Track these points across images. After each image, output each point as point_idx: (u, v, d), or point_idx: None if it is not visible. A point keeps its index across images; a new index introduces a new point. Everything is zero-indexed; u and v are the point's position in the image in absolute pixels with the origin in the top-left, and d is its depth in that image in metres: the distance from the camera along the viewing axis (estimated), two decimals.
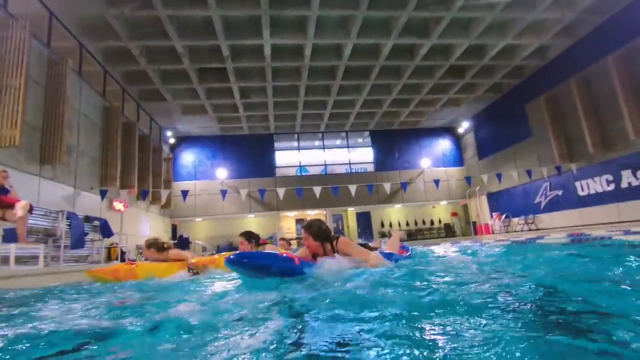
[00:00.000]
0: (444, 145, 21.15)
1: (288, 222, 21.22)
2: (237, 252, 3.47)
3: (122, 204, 12.32)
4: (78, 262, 9.15)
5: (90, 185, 10.70)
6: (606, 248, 4.39)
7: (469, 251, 5.30)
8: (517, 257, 3.79)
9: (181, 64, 12.32)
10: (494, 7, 10.52)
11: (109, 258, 11.14)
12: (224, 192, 13.45)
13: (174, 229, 17.84)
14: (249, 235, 4.96)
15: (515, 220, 16.08)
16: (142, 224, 14.49)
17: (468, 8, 10.55)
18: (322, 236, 3.48)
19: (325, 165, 20.57)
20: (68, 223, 8.36)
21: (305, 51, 12.23)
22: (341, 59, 12.93)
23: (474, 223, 19.14)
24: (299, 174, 20.17)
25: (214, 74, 13.77)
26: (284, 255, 3.17)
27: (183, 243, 15.98)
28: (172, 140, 18.88)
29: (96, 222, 9.70)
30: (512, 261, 3.54)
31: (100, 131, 11.59)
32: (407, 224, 20.90)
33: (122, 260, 10.86)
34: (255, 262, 2.99)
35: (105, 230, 9.63)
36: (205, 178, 18.94)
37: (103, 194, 10.58)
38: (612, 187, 11.71)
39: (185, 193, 12.80)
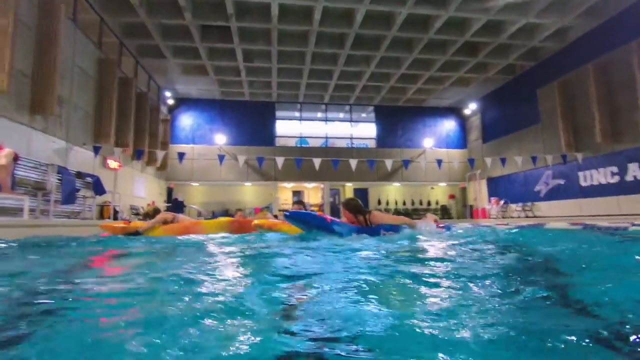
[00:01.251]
0: (448, 125, 20.72)
1: (285, 193, 21.08)
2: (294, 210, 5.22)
3: (117, 162, 12.01)
4: (69, 218, 8.98)
5: (83, 141, 10.35)
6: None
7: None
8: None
9: (183, 19, 11.65)
10: None
11: (101, 216, 10.98)
12: (221, 157, 13.13)
13: (170, 192, 17.65)
14: (300, 202, 6.60)
15: (513, 206, 16.00)
16: (136, 185, 14.26)
17: None
18: (354, 210, 4.55)
19: (327, 138, 20.17)
20: (59, 177, 8.12)
21: (314, 14, 11.57)
22: (352, 27, 12.28)
23: (471, 207, 19.09)
24: (299, 145, 19.80)
25: (217, 33, 13.10)
26: (320, 215, 4.47)
27: (177, 206, 15.86)
28: (170, 102, 18.32)
29: (88, 179, 9.48)
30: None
31: (94, 85, 11.08)
32: (404, 203, 20.83)
33: (115, 219, 10.71)
34: (300, 217, 4.37)
35: (97, 187, 9.41)
36: (203, 142, 18.55)
37: (96, 150, 10.26)
38: (616, 179, 11.51)
39: (181, 155, 12.48)
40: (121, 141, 12.28)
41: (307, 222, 4.30)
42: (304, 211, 5.24)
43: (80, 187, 9.39)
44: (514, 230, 5.37)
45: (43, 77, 7.90)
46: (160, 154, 12.28)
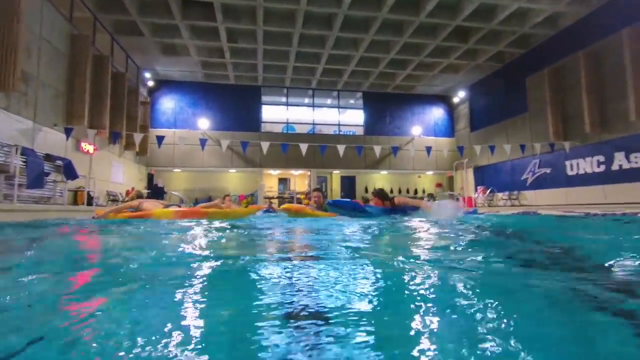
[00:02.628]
0: (436, 114, 20.55)
1: (271, 181, 20.67)
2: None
3: (92, 145, 11.35)
4: (38, 204, 8.41)
5: (54, 122, 9.67)
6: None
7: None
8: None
9: None
10: None
11: (75, 202, 10.39)
12: (203, 142, 12.55)
13: (150, 178, 17.00)
14: (318, 189, 7.00)
15: (499, 195, 16.04)
16: (114, 170, 13.61)
17: None
18: (381, 196, 5.95)
19: (314, 124, 19.73)
20: (24, 160, 7.52)
21: None
22: (340, 6, 11.78)
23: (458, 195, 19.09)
24: (285, 132, 19.31)
25: (199, 10, 12.39)
26: (354, 201, 5.56)
27: (158, 193, 15.29)
28: (150, 83, 17.49)
29: (59, 162, 8.87)
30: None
31: (66, 61, 10.33)
32: (392, 192, 20.70)
33: (90, 204, 10.15)
34: (341, 204, 5.52)
35: (68, 171, 8.83)
36: (185, 127, 17.85)
37: (68, 132, 9.60)
38: (602, 168, 11.56)
39: (160, 139, 11.86)
40: (96, 123, 11.59)
41: (346, 207, 5.45)
42: (343, 199, 6.38)
43: (50, 170, 8.78)
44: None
45: (3, 49, 7.21)
46: (137, 137, 11.63)
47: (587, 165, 12.08)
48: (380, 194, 6.04)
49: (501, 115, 16.46)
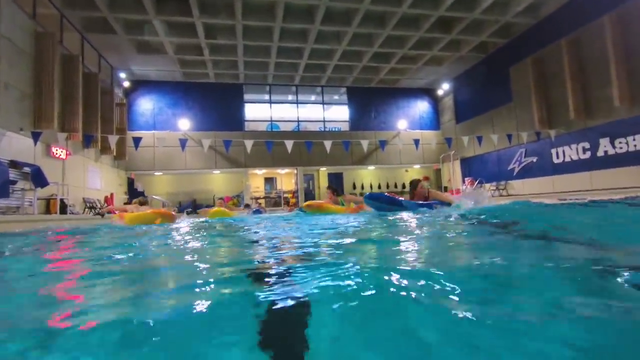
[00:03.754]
0: (421, 107, 20.46)
1: (257, 180, 20.21)
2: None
3: (64, 150, 10.70)
4: (5, 214, 7.80)
5: (20, 126, 9.02)
6: None
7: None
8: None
9: None
10: None
11: (47, 211, 9.76)
12: (183, 142, 12.01)
13: (130, 182, 16.31)
14: (335, 189, 7.26)
15: (487, 185, 16.04)
16: (90, 175, 12.93)
17: None
18: (413, 187, 5.99)
19: (298, 121, 19.35)
20: None
21: None
22: None
23: (445, 188, 19.06)
24: (269, 130, 18.88)
25: (174, 5, 11.85)
26: (391, 195, 5.70)
27: (137, 197, 14.63)
28: (126, 84, 16.76)
29: (27, 169, 8.25)
30: None
31: (31, 61, 9.67)
32: (379, 187, 20.55)
33: (63, 213, 9.54)
34: (377, 197, 5.57)
35: (37, 178, 8.23)
36: (165, 128, 17.20)
37: (36, 136, 8.97)
38: (587, 155, 11.61)
39: (137, 141, 11.27)
40: (68, 127, 10.95)
41: (382, 200, 5.57)
42: (379, 193, 6.41)
43: (17, 178, 8.17)
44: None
45: None
46: (112, 139, 11.03)
47: (573, 152, 12.12)
48: (415, 188, 5.95)
49: (486, 106, 16.46)
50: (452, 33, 14.02)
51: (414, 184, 6.01)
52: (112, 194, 14.41)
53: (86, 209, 11.83)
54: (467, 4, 12.41)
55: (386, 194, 5.88)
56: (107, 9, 11.37)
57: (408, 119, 20.02)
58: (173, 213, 6.94)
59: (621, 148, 10.55)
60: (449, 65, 17.13)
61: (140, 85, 17.31)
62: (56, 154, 10.46)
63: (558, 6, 12.55)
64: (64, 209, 9.80)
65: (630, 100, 10.16)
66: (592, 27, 11.16)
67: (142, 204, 7.36)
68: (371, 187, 20.51)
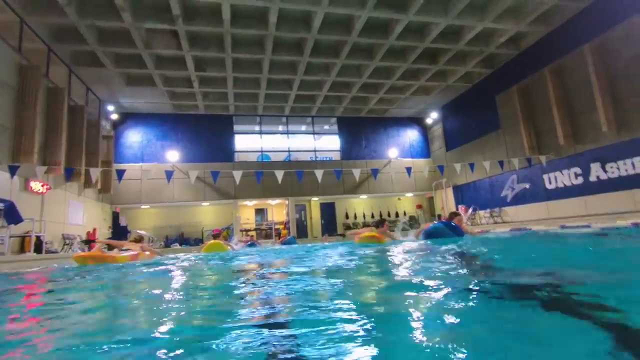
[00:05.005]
0: (411, 135, 20.62)
1: (247, 212, 19.73)
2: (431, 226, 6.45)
3: (43, 184, 10.24)
4: None
5: None
6: None
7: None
8: None
9: (121, 21, 10.39)
10: None
11: (22, 249, 9.15)
12: (169, 174, 11.63)
13: (116, 217, 15.71)
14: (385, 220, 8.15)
15: (481, 213, 15.84)
16: (71, 210, 12.38)
17: None
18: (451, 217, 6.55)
19: (289, 151, 19.24)
20: None
21: (270, 17, 10.79)
22: (310, 31, 11.65)
23: (439, 216, 18.82)
24: (260, 161, 18.68)
25: (163, 39, 11.91)
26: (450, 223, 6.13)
27: (121, 232, 14.01)
28: (114, 116, 16.58)
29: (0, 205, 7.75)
30: None
31: (13, 94, 9.43)
32: (372, 216, 20.22)
33: (38, 251, 8.94)
34: (436, 231, 5.96)
35: (10, 214, 7.74)
36: (153, 160, 16.87)
37: (13, 170, 8.55)
38: (580, 180, 11.55)
39: (121, 173, 10.84)
40: (50, 160, 10.56)
41: (446, 233, 5.88)
42: (437, 225, 6.34)
43: None
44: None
45: None
46: (94, 172, 10.63)
47: (565, 177, 12.08)
48: (456, 216, 6.51)
49: (475, 134, 16.61)
50: (438, 64, 14.34)
51: (455, 215, 6.60)
52: (94, 229, 13.78)
53: (65, 246, 11.18)
54: (452, 35, 12.78)
55: (445, 222, 6.24)
56: (96, 42, 11.37)
57: (399, 148, 20.09)
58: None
59: (613, 173, 10.52)
60: (437, 94, 17.44)
61: (129, 117, 17.14)
62: (35, 188, 9.99)
63: (537, 38, 13.00)
64: (39, 246, 9.20)
65: (617, 126, 10.27)
66: (573, 56, 11.49)
67: (137, 241, 7.28)
68: (364, 216, 20.17)
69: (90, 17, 10.26)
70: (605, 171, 10.75)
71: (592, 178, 11.13)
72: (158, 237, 16.44)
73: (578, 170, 11.61)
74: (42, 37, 10.95)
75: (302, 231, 18.97)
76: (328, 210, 20.07)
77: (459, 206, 17.26)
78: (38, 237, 9.38)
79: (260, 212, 20.17)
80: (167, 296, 2.34)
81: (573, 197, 11.75)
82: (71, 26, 10.65)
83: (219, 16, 10.76)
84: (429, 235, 5.94)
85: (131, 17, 10.26)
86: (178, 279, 3.50)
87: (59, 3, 9.46)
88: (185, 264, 5.09)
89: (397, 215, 20.36)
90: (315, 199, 19.33)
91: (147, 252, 7.09)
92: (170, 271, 4.14)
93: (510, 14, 11.72)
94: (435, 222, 7.31)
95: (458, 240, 5.46)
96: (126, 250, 6.62)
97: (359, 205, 20.47)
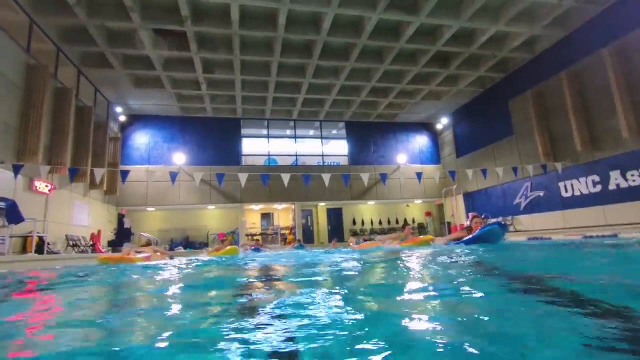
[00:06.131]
0: (421, 141, 20.27)
1: (253, 217, 19.52)
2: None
3: (47, 185, 10.16)
4: None
5: (1, 159, 8.54)
6: None
7: None
8: None
9: (131, 21, 10.34)
10: None
11: (24, 250, 9.03)
12: (174, 176, 11.47)
13: (121, 219, 15.61)
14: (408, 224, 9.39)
15: (492, 221, 15.33)
16: (76, 211, 12.29)
17: None
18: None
19: (297, 156, 19.03)
20: None
21: (279, 19, 10.65)
22: (319, 33, 11.47)
23: (449, 223, 18.38)
24: (267, 165, 18.50)
25: (172, 41, 11.85)
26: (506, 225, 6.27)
27: (124, 235, 13.87)
28: (122, 119, 16.60)
29: (1, 204, 7.64)
30: None
31: (20, 94, 9.39)
32: (380, 223, 19.85)
33: (40, 252, 8.81)
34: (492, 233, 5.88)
35: (12, 214, 7.61)
36: (160, 163, 16.80)
37: (17, 169, 8.46)
38: (598, 188, 11.08)
39: (125, 174, 10.69)
40: (55, 160, 10.49)
41: (500, 236, 5.98)
42: (496, 225, 6.19)
43: None
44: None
45: None
46: (99, 173, 10.51)
47: (582, 186, 11.61)
48: (479, 217, 6.69)
49: (487, 140, 16.21)
50: (450, 68, 14.05)
51: (476, 217, 6.73)
52: (99, 231, 13.68)
53: (69, 247, 11.06)
54: (464, 39, 12.49)
55: (500, 223, 6.18)
56: (105, 44, 11.36)
57: (408, 154, 19.75)
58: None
59: (634, 181, 10.05)
60: (448, 99, 17.12)
61: (137, 119, 17.15)
62: (39, 188, 9.91)
63: (553, 42, 12.63)
64: (41, 247, 9.07)
65: (638, 132, 9.82)
66: (591, 60, 11.10)
67: (148, 245, 8.51)
68: (372, 223, 19.80)
69: (99, 18, 10.24)
70: (626, 179, 10.28)
71: (612, 186, 10.66)
72: (163, 240, 16.29)
73: (597, 178, 11.14)
74: (52, 38, 10.96)
75: (308, 237, 18.66)
76: (335, 216, 19.76)
77: (470, 213, 16.75)
78: (41, 238, 9.26)
79: (266, 216, 19.94)
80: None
81: (591, 206, 11.28)
82: (81, 27, 10.65)
83: (227, 17, 10.66)
84: (481, 239, 5.79)
85: (140, 18, 10.21)
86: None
87: (68, 3, 9.45)
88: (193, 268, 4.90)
89: (405, 222, 19.92)
90: (322, 204, 19.04)
91: (158, 253, 8.18)
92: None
93: (525, 17, 11.41)
94: (491, 222, 7.12)
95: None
96: (140, 252, 7.72)
97: (367, 211, 20.12)
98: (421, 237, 8.83)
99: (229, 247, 9.03)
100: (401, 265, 3.50)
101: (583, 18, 11.36)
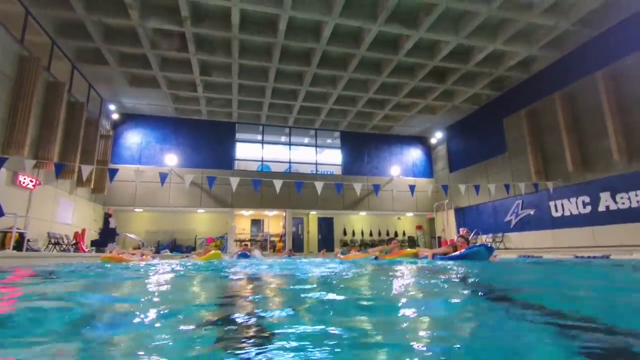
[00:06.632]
0: (414, 154, 20.35)
1: (243, 222, 19.24)
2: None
3: (32, 180, 9.86)
4: None
5: None
6: None
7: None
8: None
9: (129, 18, 10.23)
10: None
11: (2, 246, 8.69)
12: (163, 177, 11.23)
13: (106, 218, 15.23)
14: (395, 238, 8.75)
15: (484, 237, 15.38)
16: (61, 208, 11.95)
17: None
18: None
19: (290, 163, 18.91)
20: None
21: (279, 25, 10.64)
22: (319, 42, 11.50)
23: (439, 238, 18.35)
24: (260, 170, 18.33)
25: (170, 40, 11.76)
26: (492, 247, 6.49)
27: (108, 235, 13.50)
28: (115, 116, 16.34)
29: None
30: None
31: (10, 85, 9.16)
32: (371, 234, 19.74)
33: (19, 248, 8.48)
34: (478, 254, 6.18)
35: None
36: (151, 163, 16.53)
37: (0, 162, 8.18)
38: (588, 209, 11.17)
39: (113, 172, 10.44)
40: (42, 155, 10.22)
41: (485, 256, 6.13)
42: (483, 246, 6.45)
43: None
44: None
45: None
46: (86, 170, 10.24)
47: (572, 206, 11.70)
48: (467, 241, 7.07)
49: (480, 156, 16.33)
50: (446, 83, 14.18)
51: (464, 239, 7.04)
52: (83, 230, 13.31)
53: (50, 245, 10.70)
54: (462, 55, 12.64)
55: (486, 245, 6.55)
56: (102, 40, 11.20)
57: (401, 166, 19.78)
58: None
59: (623, 204, 10.15)
60: (443, 114, 17.25)
61: (130, 118, 16.90)
62: (23, 182, 9.60)
63: (549, 63, 12.85)
64: (19, 244, 8.74)
65: (629, 155, 9.97)
66: (585, 82, 11.30)
67: (137, 248, 9.53)
68: (362, 233, 19.68)
69: (97, 13, 10.10)
70: (616, 201, 10.39)
71: (601, 208, 10.75)
72: (149, 242, 15.91)
73: (586, 198, 11.24)
74: (47, 30, 10.77)
75: (298, 245, 18.44)
76: (326, 225, 19.60)
77: (461, 229, 16.81)
78: (20, 234, 8.93)
79: (256, 222, 19.69)
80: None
81: (580, 226, 11.35)
82: (77, 21, 10.50)
83: (227, 20, 10.62)
84: (467, 256, 6.19)
85: (138, 15, 10.11)
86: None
87: None
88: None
89: (396, 234, 19.86)
90: (313, 212, 18.89)
91: (144, 256, 9.16)
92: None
93: (522, 37, 11.60)
94: (478, 244, 7.85)
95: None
96: (133, 254, 8.87)
97: (358, 222, 20.01)
98: (408, 249, 9.03)
99: (212, 252, 9.29)
100: (383, 278, 3.45)
101: (578, 41, 11.59)
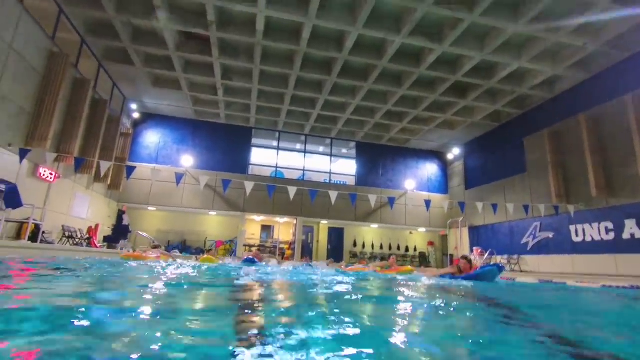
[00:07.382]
0: (430, 169, 20.08)
1: (253, 227, 19.21)
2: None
3: (52, 173, 10.03)
4: None
5: (9, 141, 8.45)
6: None
7: None
8: None
9: (157, 20, 10.43)
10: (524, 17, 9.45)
11: (18, 236, 8.80)
12: (179, 177, 11.30)
13: (120, 215, 15.39)
14: (465, 257, 7.06)
15: (498, 258, 14.94)
16: (77, 202, 12.11)
17: (492, 13, 9.45)
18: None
19: (304, 171, 18.87)
20: None
21: (303, 33, 10.70)
22: (341, 51, 11.51)
23: (452, 255, 17.92)
24: (273, 176, 18.33)
25: (195, 44, 11.95)
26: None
27: (121, 232, 13.60)
28: (136, 115, 16.64)
29: (1, 187, 7.48)
30: None
31: (39, 79, 9.40)
32: (382, 247, 19.43)
33: (34, 240, 8.57)
34: (491, 273, 6.22)
35: (11, 197, 7.43)
36: (167, 163, 16.71)
37: (23, 153, 8.35)
38: (611, 236, 10.73)
39: (130, 170, 10.51)
40: (63, 149, 10.41)
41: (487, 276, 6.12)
42: (495, 266, 6.40)
43: None
44: None
45: None
46: (104, 166, 10.38)
47: (594, 231, 11.26)
48: (470, 261, 6.79)
49: (497, 175, 15.98)
50: (467, 99, 14.00)
51: (466, 259, 6.81)
52: (97, 225, 13.45)
53: (63, 238, 10.82)
54: (485, 71, 12.47)
55: (498, 265, 6.46)
56: (129, 40, 11.45)
57: (416, 180, 19.52)
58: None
59: None
60: (462, 130, 17.02)
61: (150, 117, 17.19)
62: (43, 175, 9.78)
63: (574, 83, 12.57)
64: (35, 235, 8.85)
65: None
66: (612, 105, 10.98)
67: (156, 247, 9.64)
68: (373, 246, 19.39)
69: (127, 14, 10.34)
70: None
71: (626, 235, 10.31)
72: (159, 241, 15.99)
73: (610, 225, 10.81)
74: (78, 28, 11.08)
75: (306, 254, 18.25)
76: (336, 236, 19.40)
77: (475, 248, 16.39)
78: (37, 225, 9.05)
79: (266, 228, 19.62)
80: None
81: (602, 253, 10.90)
82: (107, 21, 10.77)
83: (252, 27, 10.74)
84: (479, 277, 6.08)
85: (167, 17, 10.31)
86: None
87: None
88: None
89: (407, 249, 19.52)
90: (324, 222, 18.73)
91: (163, 255, 9.37)
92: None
93: (548, 56, 11.40)
94: (488, 264, 7.74)
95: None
96: (152, 253, 8.97)
97: (369, 234, 19.75)
98: (404, 266, 9.61)
99: (206, 255, 9.96)
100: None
101: (607, 63, 11.31)
